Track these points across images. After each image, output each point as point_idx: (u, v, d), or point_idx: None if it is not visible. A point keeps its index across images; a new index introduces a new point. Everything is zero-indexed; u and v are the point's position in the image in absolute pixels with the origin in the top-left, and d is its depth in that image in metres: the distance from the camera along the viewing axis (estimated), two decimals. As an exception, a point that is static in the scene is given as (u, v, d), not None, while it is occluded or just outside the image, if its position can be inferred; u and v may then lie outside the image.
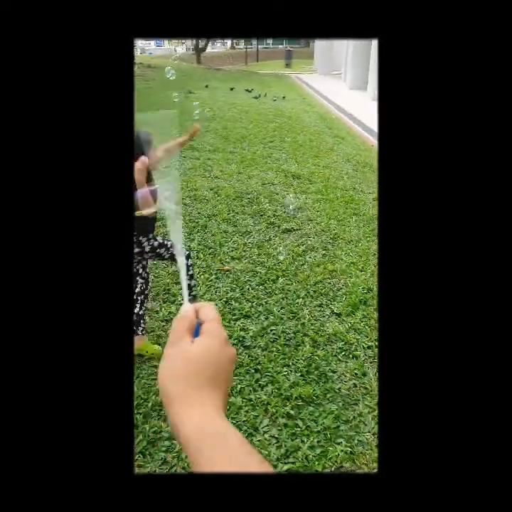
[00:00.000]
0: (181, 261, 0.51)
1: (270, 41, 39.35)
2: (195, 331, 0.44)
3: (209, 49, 30.26)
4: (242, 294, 2.67)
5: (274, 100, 11.17)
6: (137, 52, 27.55)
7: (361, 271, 3.14)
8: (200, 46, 22.06)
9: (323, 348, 2.31)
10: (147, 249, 2.02)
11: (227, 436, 0.36)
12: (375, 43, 11.77)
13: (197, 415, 0.38)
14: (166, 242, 2.06)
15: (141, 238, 1.99)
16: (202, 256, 3.09)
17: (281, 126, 7.87)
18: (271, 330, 2.39)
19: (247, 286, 2.76)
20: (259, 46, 30.95)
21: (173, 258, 2.09)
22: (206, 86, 12.84)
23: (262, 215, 3.95)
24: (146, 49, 32.58)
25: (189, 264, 2.22)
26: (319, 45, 20.87)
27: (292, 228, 3.74)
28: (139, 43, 33.00)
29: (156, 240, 2.06)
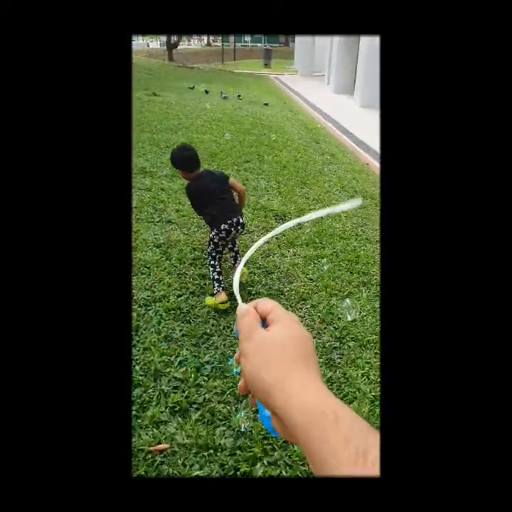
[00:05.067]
0: (239, 268, 0.49)
1: (248, 39, 37.89)
2: (262, 325, 0.41)
3: (185, 45, 28.67)
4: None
5: (224, 97, 10.11)
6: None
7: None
8: (172, 41, 20.50)
9: None
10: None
11: (339, 415, 0.33)
12: (364, 43, 10.60)
13: (301, 396, 0.35)
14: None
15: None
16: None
17: (260, 139, 6.56)
18: None
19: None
20: (236, 44, 29.49)
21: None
22: (192, 87, 11.36)
23: (231, 294, 2.63)
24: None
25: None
26: (300, 43, 19.62)
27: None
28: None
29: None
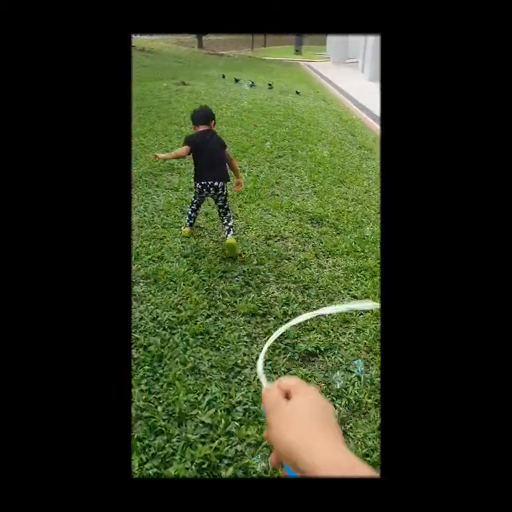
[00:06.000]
0: (260, 364, 0.53)
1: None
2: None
3: (213, 32, 28.21)
4: None
5: (251, 85, 9.82)
6: (136, 35, 25.63)
7: None
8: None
9: None
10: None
11: (356, 471, 0.36)
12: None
13: (323, 453, 0.38)
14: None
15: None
16: (137, 472, 1.49)
17: (293, 132, 6.21)
18: None
19: None
20: (267, 30, 28.78)
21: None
22: (223, 76, 11.03)
23: (264, 315, 2.36)
24: (146, 31, 30.47)
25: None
26: (333, 29, 18.92)
27: (316, 351, 2.13)
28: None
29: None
